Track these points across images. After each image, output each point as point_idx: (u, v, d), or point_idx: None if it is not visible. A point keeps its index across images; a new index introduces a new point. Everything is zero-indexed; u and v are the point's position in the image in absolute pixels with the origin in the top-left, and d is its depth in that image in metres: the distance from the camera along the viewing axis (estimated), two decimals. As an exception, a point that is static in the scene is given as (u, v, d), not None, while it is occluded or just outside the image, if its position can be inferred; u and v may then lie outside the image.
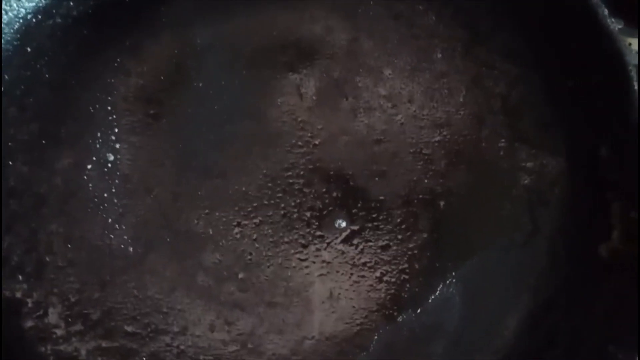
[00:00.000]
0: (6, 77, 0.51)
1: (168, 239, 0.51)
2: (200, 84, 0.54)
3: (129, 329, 0.49)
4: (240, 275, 0.51)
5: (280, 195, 0.53)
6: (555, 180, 0.53)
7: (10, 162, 0.51)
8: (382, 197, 0.53)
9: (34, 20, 0.52)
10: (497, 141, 0.54)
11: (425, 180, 0.53)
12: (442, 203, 0.53)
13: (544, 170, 0.53)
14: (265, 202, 0.53)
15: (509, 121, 0.54)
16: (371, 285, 0.52)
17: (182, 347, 0.50)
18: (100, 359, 0.49)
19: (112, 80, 0.54)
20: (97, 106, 0.53)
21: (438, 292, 0.52)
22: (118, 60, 0.54)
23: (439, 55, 0.56)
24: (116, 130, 0.53)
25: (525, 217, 0.53)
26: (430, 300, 0.51)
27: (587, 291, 0.50)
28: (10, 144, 0.51)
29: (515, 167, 0.54)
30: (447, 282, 0.52)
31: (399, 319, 0.51)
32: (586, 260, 0.51)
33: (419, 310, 0.51)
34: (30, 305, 0.49)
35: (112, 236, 0.51)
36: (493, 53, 0.55)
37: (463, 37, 0.55)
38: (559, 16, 0.52)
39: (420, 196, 0.53)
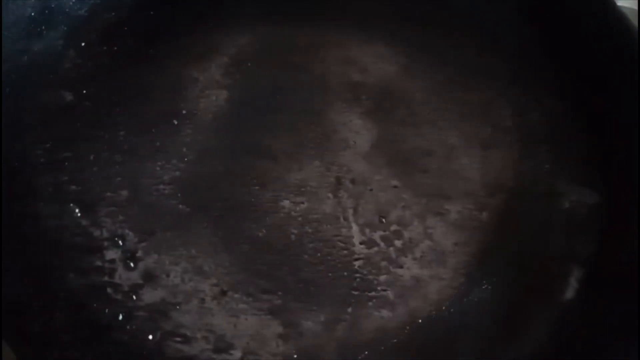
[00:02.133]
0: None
1: (217, 205, 0.52)
2: (264, 72, 0.57)
3: (170, 277, 0.50)
4: (282, 250, 0.52)
5: (327, 186, 0.54)
6: (594, 211, 0.54)
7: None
8: (425, 202, 0.54)
9: None
10: (540, 167, 0.55)
11: (469, 192, 0.55)
12: (484, 215, 0.54)
13: (583, 199, 0.55)
14: (314, 190, 0.54)
15: (552, 150, 0.56)
16: (408, 280, 0.52)
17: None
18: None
19: (187, 60, 0.56)
20: (170, 79, 0.56)
21: (472, 295, 0.52)
22: (193, 42, 0.57)
23: (490, 83, 0.58)
24: (182, 104, 0.55)
25: (563, 240, 0.54)
26: (463, 302, 0.52)
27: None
28: (84, 91, 0.53)
29: (555, 193, 0.55)
30: (483, 287, 0.52)
31: (431, 316, 0.51)
32: (622, 289, 0.51)
33: (452, 310, 0.51)
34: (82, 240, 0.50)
35: (165, 192, 0.52)
36: (543, 88, 0.57)
37: (509, 71, 0.58)
38: (605, 58, 0.54)
39: (464, 206, 0.54)
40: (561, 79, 0.56)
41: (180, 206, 0.52)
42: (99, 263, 0.50)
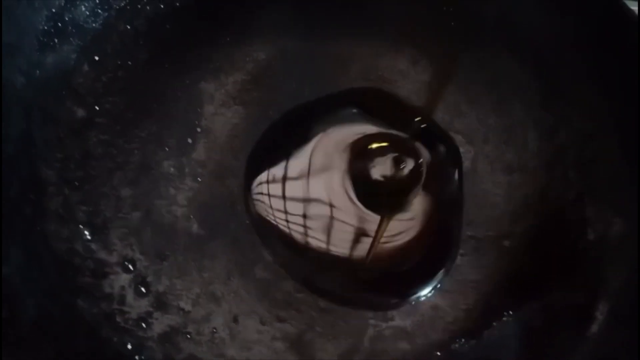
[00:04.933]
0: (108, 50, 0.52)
1: (233, 227, 0.51)
2: (283, 88, 0.55)
3: (181, 304, 0.48)
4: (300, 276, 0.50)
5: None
6: (623, 240, 0.52)
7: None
8: (446, 227, 0.53)
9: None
10: (566, 193, 0.54)
11: (493, 218, 0.53)
12: (506, 242, 0.52)
13: (611, 228, 0.53)
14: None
15: (580, 176, 0.54)
16: (426, 310, 0.50)
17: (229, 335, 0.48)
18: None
19: (204, 75, 0.55)
20: (185, 95, 0.54)
21: (493, 328, 0.50)
22: (210, 57, 0.55)
23: (518, 104, 0.56)
24: (197, 122, 0.54)
25: (590, 270, 0.52)
26: (484, 335, 0.50)
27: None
28: (96, 107, 0.51)
29: (582, 221, 0.53)
30: (504, 319, 0.50)
31: (452, 347, 0.49)
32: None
33: (473, 342, 0.50)
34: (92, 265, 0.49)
35: (178, 213, 0.51)
36: (571, 108, 0.55)
37: (543, 89, 0.56)
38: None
39: (486, 232, 0.52)
40: (591, 98, 0.54)
41: (194, 229, 0.51)
42: (108, 289, 0.49)
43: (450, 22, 0.56)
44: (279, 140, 0.54)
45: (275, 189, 0.52)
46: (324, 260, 0.51)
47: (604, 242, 0.52)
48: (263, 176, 0.52)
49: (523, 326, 0.50)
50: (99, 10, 0.52)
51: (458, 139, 0.55)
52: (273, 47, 0.56)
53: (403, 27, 0.56)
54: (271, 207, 0.51)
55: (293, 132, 0.54)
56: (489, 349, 0.49)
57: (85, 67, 0.52)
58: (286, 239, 0.51)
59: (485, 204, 0.53)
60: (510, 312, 0.50)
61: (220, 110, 0.54)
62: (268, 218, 0.51)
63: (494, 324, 0.50)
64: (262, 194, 0.52)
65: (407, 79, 0.56)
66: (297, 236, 0.51)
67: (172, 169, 0.52)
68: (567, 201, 0.53)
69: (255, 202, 0.52)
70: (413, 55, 0.56)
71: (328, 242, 0.51)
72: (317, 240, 0.51)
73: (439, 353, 0.49)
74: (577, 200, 0.53)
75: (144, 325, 0.48)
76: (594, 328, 0.50)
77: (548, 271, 0.52)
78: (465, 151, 0.54)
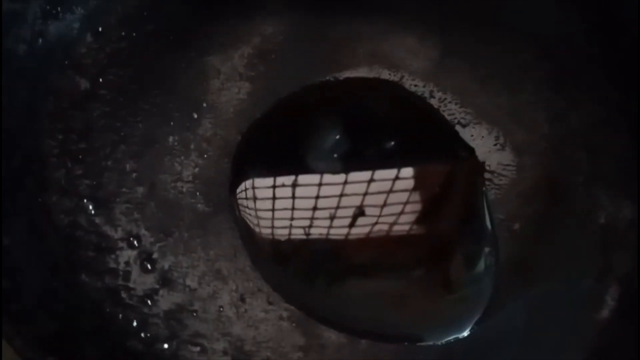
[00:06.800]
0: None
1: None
2: (290, 63, 0.54)
3: (187, 281, 0.48)
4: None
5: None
6: (633, 224, 0.52)
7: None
8: (456, 208, 0.52)
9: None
10: (576, 176, 0.53)
11: (503, 201, 0.52)
12: (516, 225, 0.52)
13: (621, 212, 0.52)
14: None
15: (590, 159, 0.53)
16: (435, 292, 0.50)
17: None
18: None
19: (210, 49, 0.54)
20: (191, 69, 0.53)
21: (502, 311, 0.50)
22: (216, 30, 0.54)
23: (528, 85, 0.55)
24: (203, 96, 0.53)
25: (599, 255, 0.51)
26: (493, 319, 0.49)
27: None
28: (100, 79, 0.50)
29: (592, 204, 0.52)
30: (513, 303, 0.50)
31: (460, 329, 0.49)
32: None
33: (481, 325, 0.49)
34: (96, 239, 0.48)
35: (184, 189, 0.50)
36: (581, 93, 0.55)
37: (552, 72, 0.55)
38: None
39: (496, 215, 0.52)
40: (600, 84, 0.53)
41: (199, 205, 0.50)
42: (113, 265, 0.48)
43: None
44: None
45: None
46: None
47: (614, 227, 0.52)
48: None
49: (532, 311, 0.50)
50: (103, -21, 0.51)
51: (468, 118, 0.54)
52: (280, 22, 0.55)
53: (411, 5, 0.55)
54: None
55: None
56: (497, 334, 0.49)
57: (89, 38, 0.51)
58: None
59: (495, 185, 0.52)
60: (520, 296, 0.50)
61: (226, 85, 0.53)
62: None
63: (503, 307, 0.49)
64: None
65: (416, 58, 0.54)
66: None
67: (176, 144, 0.51)
68: (576, 185, 0.53)
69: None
70: (421, 34, 0.55)
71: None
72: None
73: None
74: (586, 184, 0.52)
75: (149, 302, 0.48)
76: (604, 314, 0.49)
77: (557, 255, 0.51)
78: (474, 131, 0.53)
